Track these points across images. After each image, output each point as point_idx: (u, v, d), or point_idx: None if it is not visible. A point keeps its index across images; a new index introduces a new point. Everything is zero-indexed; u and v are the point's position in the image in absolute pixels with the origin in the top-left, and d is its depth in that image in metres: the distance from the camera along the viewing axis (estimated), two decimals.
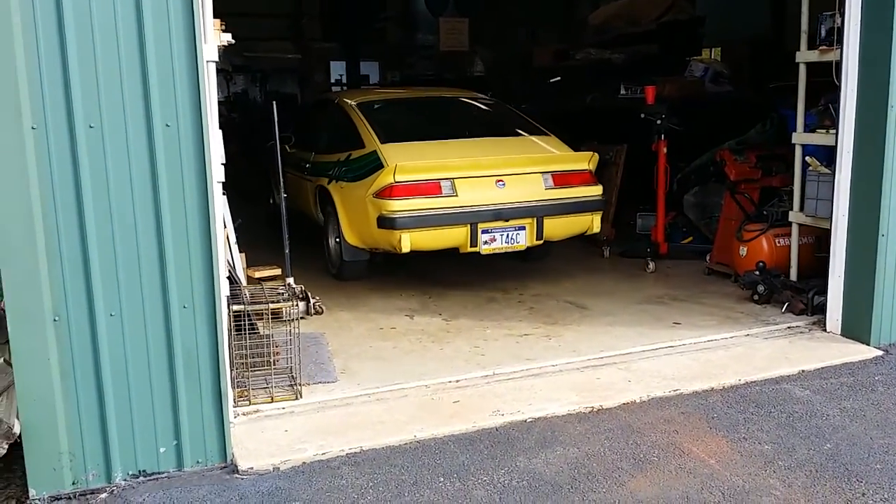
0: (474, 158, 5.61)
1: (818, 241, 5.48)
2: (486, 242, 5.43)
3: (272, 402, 3.85)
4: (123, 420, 3.18)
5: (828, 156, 5.01)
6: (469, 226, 5.34)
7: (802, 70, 5.21)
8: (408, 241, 5.23)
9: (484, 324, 5.13)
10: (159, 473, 3.26)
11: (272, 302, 3.84)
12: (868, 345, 4.61)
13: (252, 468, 3.30)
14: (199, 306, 3.23)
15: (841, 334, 4.78)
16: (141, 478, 3.23)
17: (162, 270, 3.15)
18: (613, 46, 9.63)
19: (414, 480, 3.22)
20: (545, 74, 10.56)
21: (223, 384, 3.31)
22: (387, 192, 5.26)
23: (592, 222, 5.80)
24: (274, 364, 4.00)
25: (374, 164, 5.51)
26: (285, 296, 3.95)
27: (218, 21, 3.47)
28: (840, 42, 4.61)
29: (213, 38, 3.39)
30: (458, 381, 4.16)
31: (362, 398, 3.97)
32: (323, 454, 3.40)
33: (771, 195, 6.06)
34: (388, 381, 4.13)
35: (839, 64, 4.62)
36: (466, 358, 4.50)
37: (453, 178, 5.35)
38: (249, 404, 3.80)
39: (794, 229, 5.53)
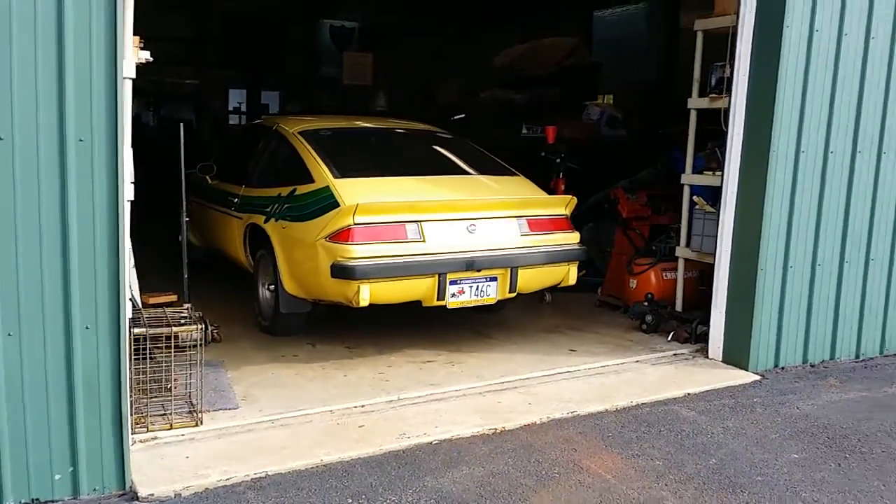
0: (445, 199, 5.03)
1: (702, 274, 5.92)
2: (453, 295, 4.84)
3: (171, 428, 3.82)
4: (17, 445, 3.10)
5: (713, 196, 5.45)
6: (437, 276, 4.74)
7: (693, 116, 5.67)
8: (367, 294, 4.56)
9: (388, 352, 5.23)
10: (53, 501, 3.18)
11: (174, 325, 3.82)
12: (747, 370, 5.01)
13: (153, 495, 3.27)
14: (102, 327, 3.21)
15: (722, 361, 5.17)
16: None
17: (65, 289, 3.13)
18: (517, 87, 10.06)
19: (322, 503, 3.27)
20: (449, 112, 10.88)
21: (124, 408, 3.29)
22: (343, 236, 4.61)
23: (568, 273, 5.34)
24: (172, 391, 3.96)
25: (326, 203, 4.82)
26: (187, 320, 3.93)
27: (137, 38, 3.49)
28: (729, 91, 5.07)
29: (132, 54, 3.41)
30: (363, 406, 4.24)
31: (265, 424, 3.99)
32: (227, 479, 3.41)
33: (660, 232, 6.50)
34: (292, 408, 4.17)
35: (727, 111, 5.08)
36: (371, 384, 4.59)
37: (420, 221, 4.77)
38: (147, 431, 3.75)
39: (681, 264, 5.96)
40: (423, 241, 4.75)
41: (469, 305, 5.00)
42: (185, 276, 5.03)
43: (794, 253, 5.04)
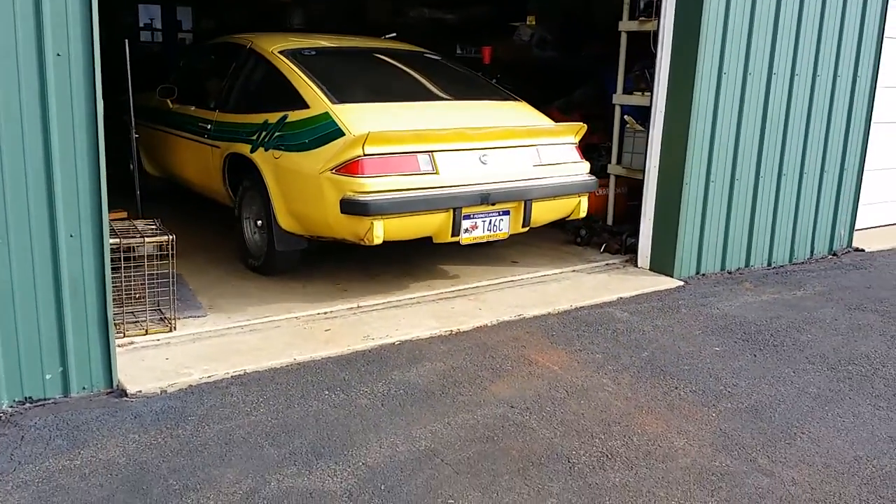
0: (457, 128, 4.64)
1: (631, 190, 6.41)
2: (466, 231, 4.64)
3: (146, 334, 4.06)
4: (9, 347, 3.30)
5: (642, 115, 5.89)
6: (452, 211, 4.52)
7: (623, 38, 6.05)
8: (381, 231, 4.31)
9: (342, 264, 5.51)
10: (45, 400, 3.41)
11: (148, 235, 4.01)
12: (672, 277, 5.56)
13: (140, 391, 3.53)
14: (85, 236, 3.39)
15: (650, 269, 5.71)
16: (27, 404, 3.37)
17: (50, 199, 3.28)
18: (446, 7, 10.19)
19: (301, 394, 3.61)
20: (379, 31, 10.94)
21: (109, 312, 3.50)
22: (352, 168, 4.30)
23: (580, 205, 5.19)
24: (146, 300, 4.17)
25: (327, 131, 4.51)
26: (156, 231, 4.12)
27: None
28: (658, 14, 5.45)
29: None
30: (325, 312, 4.57)
31: (235, 329, 4.27)
32: (209, 377, 3.70)
33: (592, 150, 6.92)
34: (259, 315, 4.45)
35: (656, 33, 5.46)
36: (330, 294, 4.89)
37: (432, 151, 4.50)
38: (124, 336, 3.98)
39: (612, 180, 6.44)
40: (437, 172, 4.50)
41: (482, 241, 4.84)
42: (138, 192, 5.15)
43: (715, 168, 5.56)
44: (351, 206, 4.31)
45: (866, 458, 3.32)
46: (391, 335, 4.28)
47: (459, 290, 5.07)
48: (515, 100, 5.56)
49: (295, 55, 5.23)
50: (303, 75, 4.94)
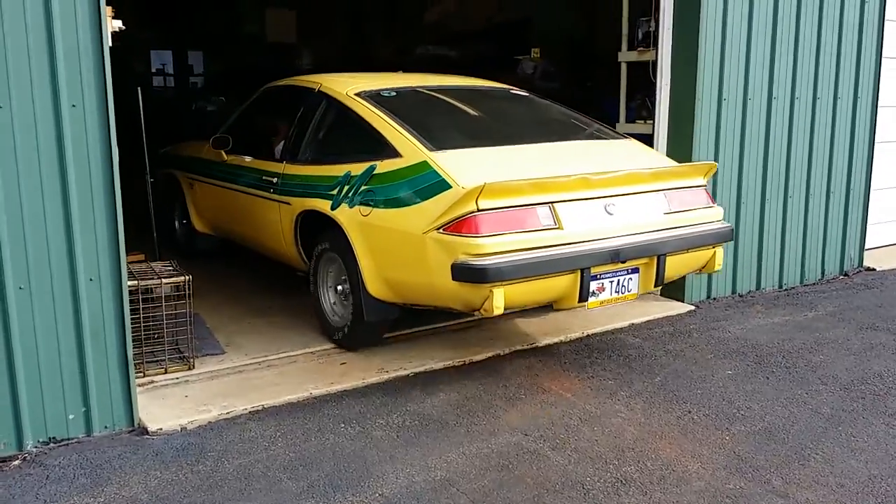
0: (580, 174, 3.95)
1: None
2: (593, 293, 4.00)
3: (166, 373, 4.14)
4: (33, 390, 3.39)
5: (646, 143, 5.97)
6: (579, 272, 3.87)
7: (624, 68, 6.16)
8: (501, 300, 3.67)
9: None
10: (69, 439, 3.49)
11: (166, 277, 4.11)
12: (682, 301, 5.61)
13: (161, 429, 3.60)
14: (104, 278, 3.49)
15: (660, 294, 5.75)
16: (52, 444, 3.45)
17: (69, 244, 3.39)
18: (449, 43, 10.41)
19: (318, 428, 3.67)
20: (385, 69, 11.16)
21: (129, 352, 3.59)
22: (465, 226, 3.68)
23: (715, 258, 4.47)
24: (165, 339, 4.25)
25: (427, 183, 3.91)
26: (173, 272, 4.23)
27: (110, 8, 3.72)
28: (655, 44, 5.57)
29: (107, 23, 3.63)
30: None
31: (253, 366, 4.34)
32: (227, 413, 3.77)
33: None
34: (275, 350, 4.53)
35: (654, 63, 5.58)
36: None
37: (553, 203, 3.88)
38: (144, 376, 4.06)
39: None
40: (560, 227, 3.86)
41: (609, 305, 4.20)
42: (155, 235, 5.27)
43: (720, 193, 5.62)
44: (465, 272, 3.65)
45: (881, 477, 3.33)
46: (405, 367, 4.34)
47: (470, 320, 5.13)
48: (623, 137, 4.98)
49: (374, 98, 4.66)
50: (389, 120, 4.36)
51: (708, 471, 3.35)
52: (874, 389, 4.24)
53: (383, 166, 4.17)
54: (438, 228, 3.75)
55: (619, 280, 4.09)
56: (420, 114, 4.70)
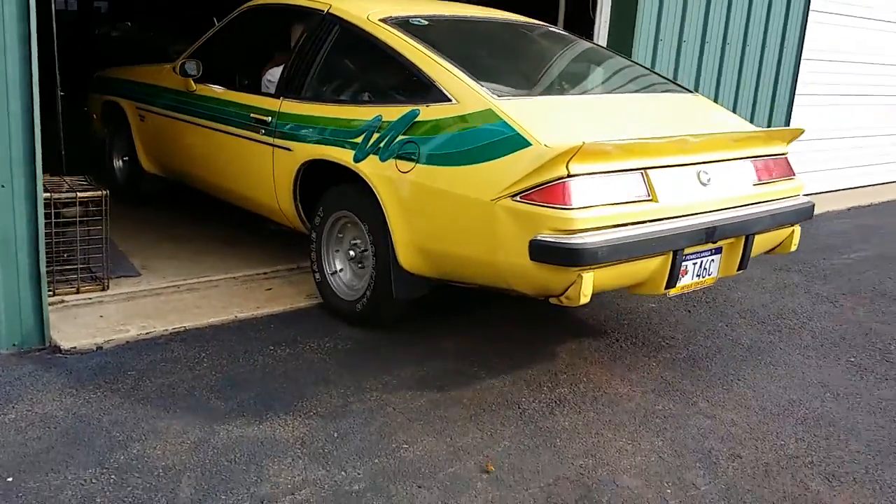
0: (679, 136, 3.35)
1: None
2: (677, 278, 3.36)
3: (78, 292, 3.91)
4: None
5: None
6: (671, 254, 3.25)
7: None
8: (590, 286, 3.03)
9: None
10: None
11: (81, 191, 3.86)
12: None
13: (75, 347, 3.41)
14: (17, 186, 3.24)
15: None
16: None
17: None
18: None
19: (245, 350, 3.55)
20: None
21: (41, 265, 3.36)
22: (554, 194, 2.98)
23: (792, 237, 3.88)
24: (78, 258, 4.01)
25: (496, 138, 3.17)
26: (89, 186, 3.97)
27: None
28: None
29: None
30: (265, 273, 4.49)
31: (171, 289, 4.16)
32: (147, 333, 3.60)
33: None
34: (195, 275, 4.35)
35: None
36: (267, 254, 4.79)
37: (645, 169, 3.22)
38: (54, 295, 3.82)
39: None
40: (655, 199, 3.22)
41: (687, 290, 3.55)
42: (63, 151, 4.94)
43: None
44: (549, 252, 2.96)
45: (799, 402, 3.48)
46: None
47: None
48: (687, 90, 4.40)
49: (403, 26, 3.85)
50: (432, 55, 3.58)
51: (637, 393, 3.43)
52: (789, 324, 4.43)
53: (430, 113, 3.41)
54: (514, 195, 3.03)
55: (701, 262, 3.45)
56: (464, 51, 3.92)
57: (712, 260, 3.49)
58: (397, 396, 3.23)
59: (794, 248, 3.92)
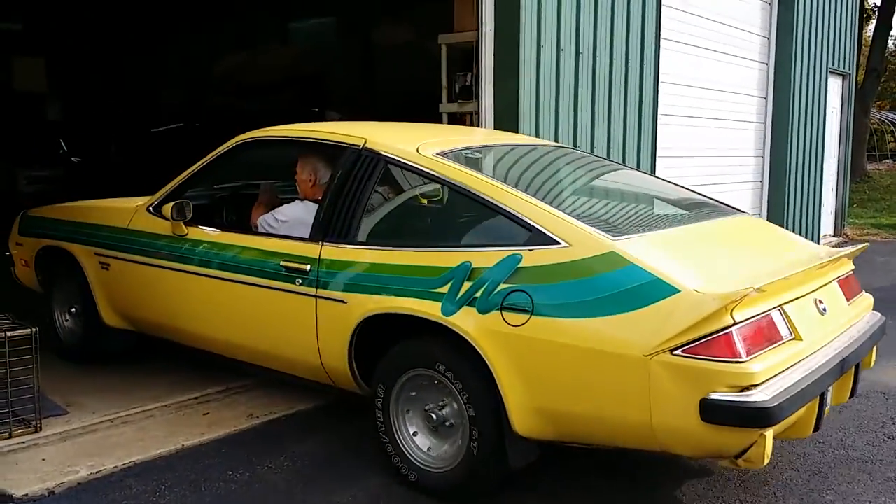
0: (802, 269, 3.20)
1: None
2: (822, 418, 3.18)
3: (10, 437, 3.75)
4: None
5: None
6: (818, 398, 3.05)
7: (445, 119, 6.61)
8: (771, 444, 2.81)
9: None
10: None
11: (8, 329, 3.75)
12: None
13: (27, 495, 3.30)
14: None
15: None
16: None
17: None
18: (245, 96, 10.40)
19: (204, 478, 3.54)
20: (169, 120, 10.85)
21: None
22: (721, 346, 2.74)
23: (872, 353, 3.65)
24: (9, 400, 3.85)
25: (634, 284, 2.90)
26: (14, 325, 3.87)
27: None
28: (477, 97, 6.08)
29: None
30: (197, 397, 4.46)
31: (105, 424, 4.06)
32: (97, 473, 3.52)
33: None
34: (125, 407, 4.26)
35: (477, 114, 6.07)
36: (195, 378, 4.74)
37: (781, 307, 3.07)
38: None
39: None
40: (798, 338, 3.07)
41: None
42: None
43: None
44: (727, 412, 2.69)
45: None
46: (275, 411, 4.29)
47: None
48: (739, 211, 4.23)
49: (463, 161, 3.65)
50: (517, 193, 3.31)
51: None
52: None
53: (535, 258, 3.08)
54: (673, 350, 2.75)
55: (822, 395, 3.11)
56: (541, 184, 3.77)
57: (828, 392, 3.19)
58: None
59: (872, 365, 3.71)
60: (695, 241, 3.56)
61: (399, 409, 3.47)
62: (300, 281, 3.64)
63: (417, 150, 3.62)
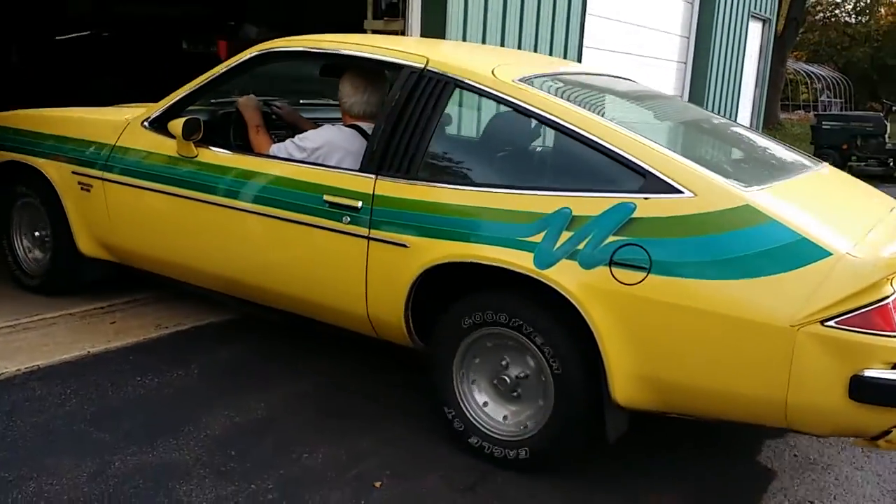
0: None
1: None
2: None
3: None
4: None
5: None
6: None
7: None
8: None
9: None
10: None
11: None
12: None
13: None
14: None
15: None
16: None
17: None
18: (156, 4, 9.94)
19: (111, 383, 3.51)
20: (80, 27, 10.27)
21: None
22: (881, 319, 2.49)
23: None
24: None
25: (776, 244, 2.57)
26: None
27: None
28: (403, 15, 6.01)
29: None
30: (102, 307, 4.38)
31: (6, 329, 3.96)
32: (0, 374, 3.44)
33: None
34: (26, 314, 4.16)
35: (403, 32, 6.01)
36: (100, 288, 4.62)
37: None
38: None
39: None
40: None
41: None
42: None
43: None
44: (882, 391, 2.47)
45: None
46: (184, 322, 4.26)
47: None
48: (819, 161, 3.79)
49: (547, 88, 3.22)
50: (626, 132, 2.91)
51: None
52: None
53: (652, 208, 2.71)
54: (825, 321, 2.48)
55: None
56: (629, 122, 3.26)
57: None
58: (283, 412, 3.37)
59: None
60: (811, 194, 3.21)
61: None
62: (348, 219, 3.20)
63: (493, 74, 3.19)
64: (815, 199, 3.15)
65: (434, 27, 5.85)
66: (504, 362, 3.04)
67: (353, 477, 2.93)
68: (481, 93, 3.18)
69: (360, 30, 6.49)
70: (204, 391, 3.51)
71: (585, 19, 7.70)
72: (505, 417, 3.08)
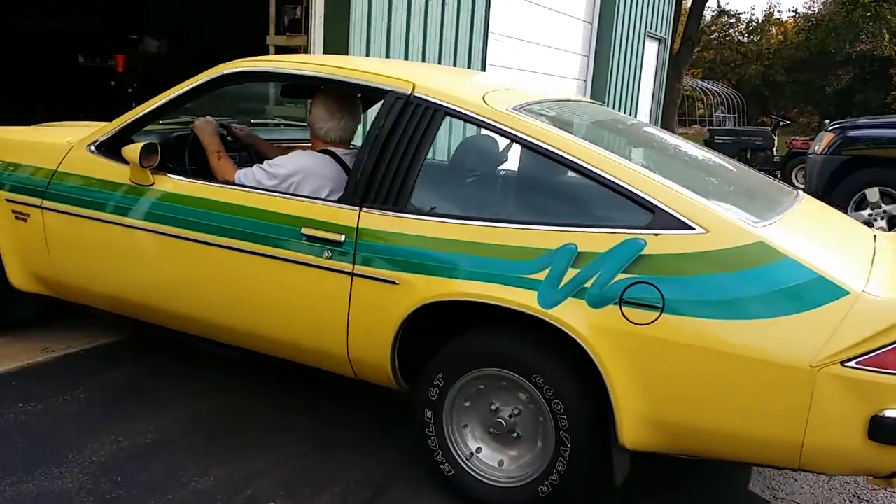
0: None
1: None
2: None
3: None
4: None
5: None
6: None
7: (272, 52, 6.44)
8: None
9: None
10: None
11: None
12: None
13: None
14: None
15: None
16: None
17: None
18: (53, 18, 9.60)
19: None
20: None
21: None
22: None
23: None
24: None
25: (794, 283, 2.50)
26: None
27: None
28: (306, 31, 5.97)
29: None
30: None
31: None
32: None
33: None
34: None
35: (306, 48, 5.97)
36: None
37: None
38: None
39: None
40: None
41: None
42: None
43: None
44: None
45: None
46: (73, 346, 4.10)
47: None
48: (794, 190, 3.73)
49: (542, 118, 3.06)
50: (630, 165, 2.79)
51: None
52: None
53: (663, 244, 2.60)
54: (846, 361, 2.44)
55: None
56: (630, 153, 3.23)
57: None
58: (174, 434, 3.28)
59: None
60: (810, 227, 3.13)
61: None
62: (329, 254, 2.98)
63: (485, 101, 3.03)
64: (815, 233, 3.10)
65: (337, 45, 5.84)
66: (514, 407, 2.88)
67: (246, 498, 2.88)
68: (473, 121, 3.02)
69: (263, 45, 6.43)
70: (90, 416, 3.38)
71: (488, 38, 7.83)
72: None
